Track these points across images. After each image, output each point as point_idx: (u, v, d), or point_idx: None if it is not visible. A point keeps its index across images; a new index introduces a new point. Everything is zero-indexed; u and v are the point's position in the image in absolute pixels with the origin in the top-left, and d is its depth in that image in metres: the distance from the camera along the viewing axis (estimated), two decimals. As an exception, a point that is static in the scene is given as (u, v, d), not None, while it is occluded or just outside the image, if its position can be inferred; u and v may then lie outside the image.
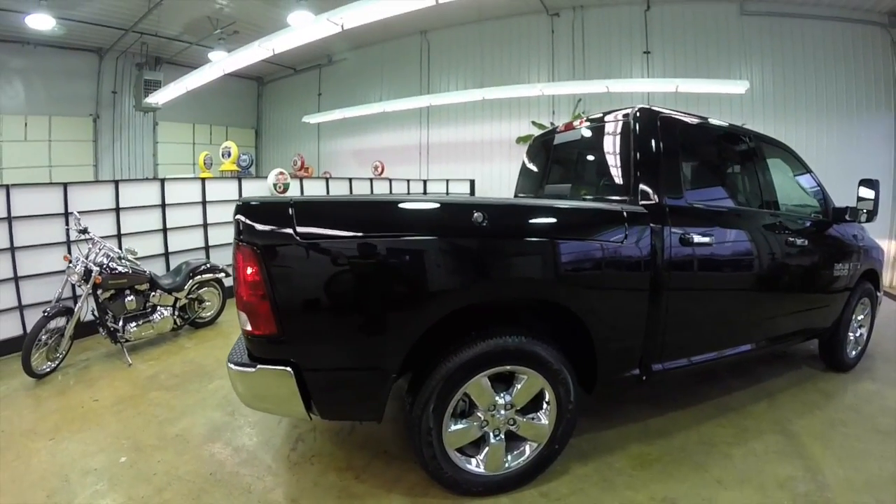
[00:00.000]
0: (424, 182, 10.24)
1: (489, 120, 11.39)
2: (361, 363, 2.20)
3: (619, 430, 3.28)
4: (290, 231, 2.03)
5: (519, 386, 2.48)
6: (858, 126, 8.23)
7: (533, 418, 2.57)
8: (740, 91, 8.23)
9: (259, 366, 2.12)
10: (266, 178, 7.57)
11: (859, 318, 4.36)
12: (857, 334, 4.41)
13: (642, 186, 2.82)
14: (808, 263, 3.66)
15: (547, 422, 2.56)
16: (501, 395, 2.48)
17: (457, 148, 11.94)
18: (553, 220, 2.51)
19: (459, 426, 2.43)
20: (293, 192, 7.78)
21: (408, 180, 9.93)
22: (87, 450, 2.92)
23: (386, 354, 2.20)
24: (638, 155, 2.89)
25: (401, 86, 12.38)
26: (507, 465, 2.55)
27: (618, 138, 3.09)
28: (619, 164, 3.05)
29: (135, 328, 4.55)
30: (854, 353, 4.37)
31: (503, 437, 2.52)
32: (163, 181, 6.19)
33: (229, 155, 9.64)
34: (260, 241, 2.03)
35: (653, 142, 2.90)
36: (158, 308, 4.83)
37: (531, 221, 2.45)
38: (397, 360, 2.20)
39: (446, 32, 12.01)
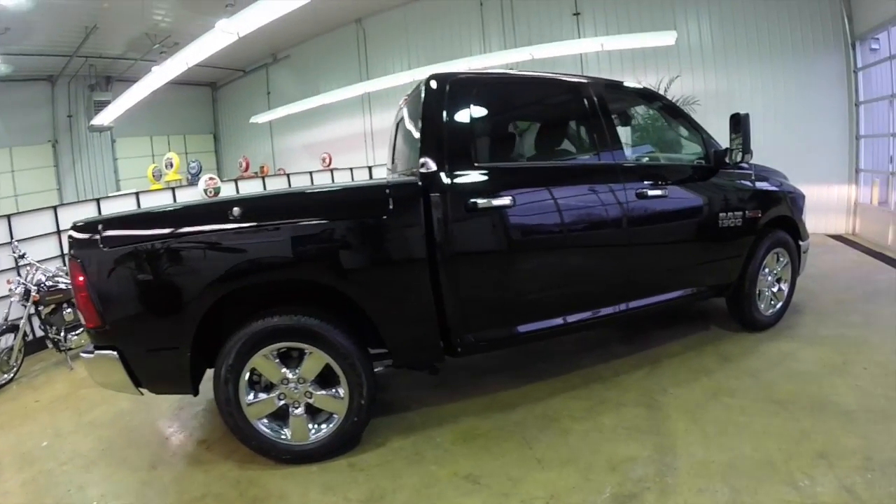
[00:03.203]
0: (370, 168, 10.42)
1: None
2: (161, 345, 2.58)
3: (462, 403, 3.30)
4: (98, 243, 2.48)
5: (305, 362, 2.68)
6: (808, 66, 7.87)
7: (332, 393, 2.73)
8: (669, 42, 8.02)
9: (96, 352, 2.57)
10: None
11: (775, 271, 4.11)
12: (776, 289, 4.15)
13: (423, 158, 2.78)
14: (674, 215, 3.50)
15: (343, 395, 2.71)
16: (293, 370, 2.69)
17: (400, 130, 11.96)
18: (306, 205, 2.76)
19: (258, 398, 2.70)
20: (230, 192, 8.14)
21: (351, 169, 10.15)
22: (21, 440, 3.47)
23: (177, 336, 2.55)
24: (422, 124, 2.90)
25: (342, 76, 12.51)
26: (313, 435, 2.76)
27: (415, 110, 3.08)
28: (414, 136, 3.05)
29: (75, 337, 4.91)
30: (771, 310, 4.14)
31: (303, 409, 2.74)
32: (98, 200, 6.55)
33: (171, 165, 9.83)
34: (79, 253, 2.51)
35: (438, 109, 2.88)
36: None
37: (284, 211, 2.66)
38: (187, 340, 2.54)
39: (380, 18, 12.09)
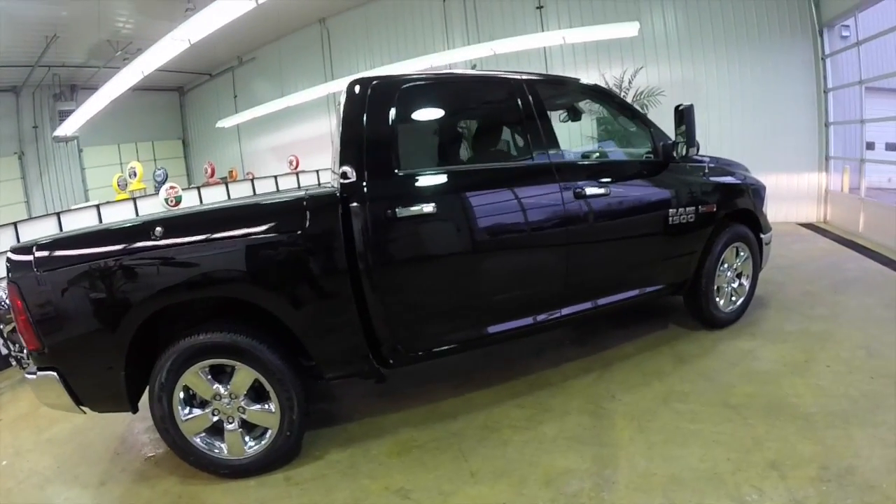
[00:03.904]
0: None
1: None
2: (95, 364, 2.56)
3: (404, 413, 3.24)
4: (32, 267, 2.46)
5: (234, 377, 2.64)
6: (776, 54, 7.75)
7: (264, 408, 2.70)
8: (633, 33, 7.82)
9: (38, 374, 2.56)
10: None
11: (735, 266, 3.98)
12: (736, 284, 4.02)
13: (343, 167, 2.70)
14: (617, 213, 3.36)
15: (275, 410, 2.68)
16: (225, 385, 2.65)
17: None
18: (224, 221, 2.68)
19: (192, 414, 2.66)
20: (192, 202, 7.97)
21: (317, 171, 9.98)
22: (-20, 458, 3.42)
23: (110, 355, 2.53)
24: (341, 131, 2.81)
25: (308, 76, 12.28)
26: (249, 450, 2.73)
27: (339, 118, 2.98)
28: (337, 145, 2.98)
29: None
30: (732, 306, 4.01)
31: (237, 424, 2.70)
32: (59, 214, 6.39)
33: (135, 175, 9.69)
34: (16, 276, 2.48)
35: (358, 115, 2.78)
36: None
37: (203, 228, 2.60)
38: (120, 359, 2.53)
39: (344, 17, 11.93)
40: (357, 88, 2.83)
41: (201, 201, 8.43)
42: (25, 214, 13.34)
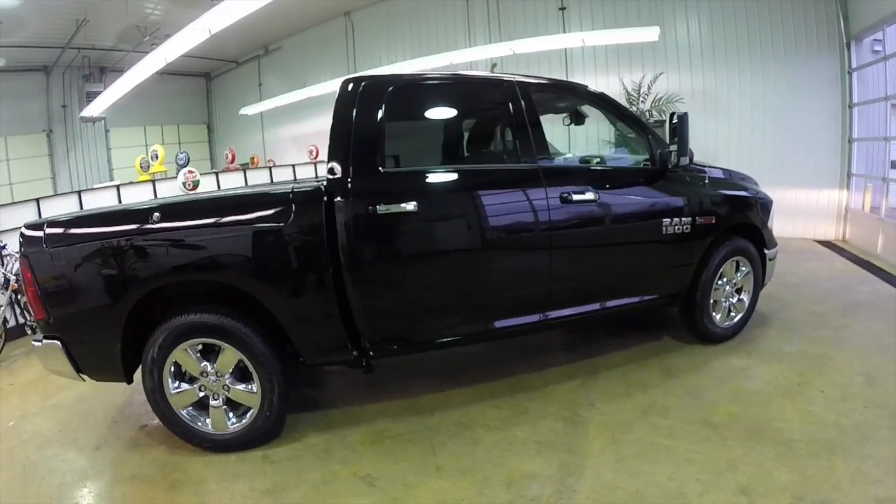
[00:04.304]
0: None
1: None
2: (94, 336, 2.78)
3: (384, 404, 3.31)
4: (42, 243, 2.69)
5: (220, 357, 2.79)
6: (800, 66, 7.52)
7: (247, 388, 2.84)
8: (653, 38, 7.65)
9: (44, 341, 2.79)
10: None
11: (734, 280, 3.89)
12: (735, 300, 3.93)
13: (331, 163, 2.79)
14: (607, 220, 3.31)
15: (256, 391, 2.81)
16: (212, 364, 2.80)
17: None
18: (216, 210, 2.80)
19: (180, 389, 2.83)
20: (209, 186, 8.09)
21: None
22: (-11, 420, 3.65)
23: (108, 328, 2.71)
24: (331, 128, 2.87)
25: (330, 68, 12.34)
26: (232, 426, 2.88)
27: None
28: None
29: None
30: (729, 322, 3.92)
31: (222, 401, 2.86)
32: (80, 193, 6.59)
33: (157, 157, 9.87)
34: (27, 251, 2.71)
35: (348, 113, 2.85)
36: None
37: (196, 215, 2.76)
38: (117, 332, 2.71)
39: (368, 11, 11.96)
40: (349, 87, 2.89)
41: (219, 186, 8.54)
42: (51, 190, 13.68)
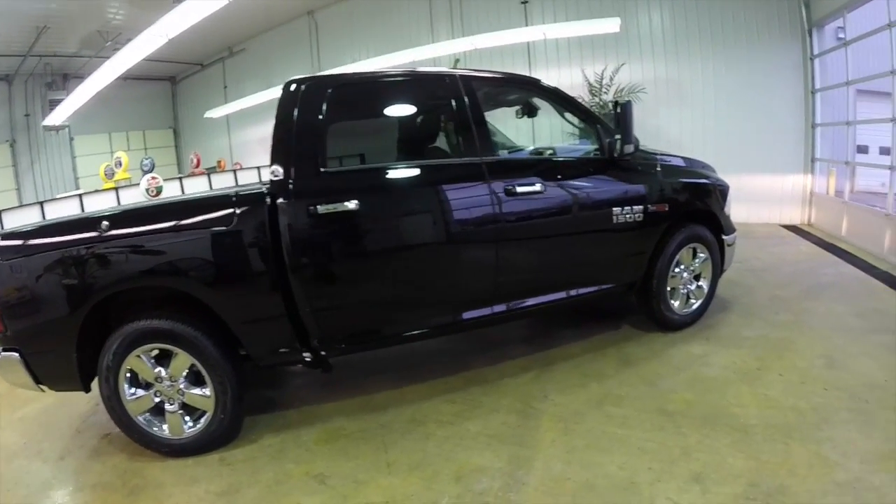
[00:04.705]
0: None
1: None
2: (50, 347, 2.74)
3: (340, 403, 3.31)
4: None
5: (173, 362, 2.76)
6: (763, 53, 7.56)
7: (201, 392, 2.83)
8: (614, 29, 7.60)
9: (2, 353, 2.74)
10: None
11: (692, 267, 3.87)
12: (694, 286, 3.91)
13: (273, 165, 2.79)
14: (554, 211, 3.29)
15: (210, 394, 2.80)
16: (165, 369, 2.78)
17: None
18: (161, 216, 2.79)
19: (136, 395, 2.80)
20: (173, 192, 7.99)
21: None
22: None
23: (63, 338, 2.69)
24: (273, 130, 2.86)
25: (295, 69, 12.12)
26: (188, 430, 2.86)
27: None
28: None
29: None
30: (687, 309, 3.91)
31: (177, 406, 2.83)
32: (42, 204, 6.46)
33: (121, 165, 9.72)
34: None
35: (289, 114, 2.84)
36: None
37: (142, 222, 2.74)
38: (71, 342, 2.69)
39: (332, 10, 11.86)
40: (291, 88, 2.88)
41: (183, 192, 8.44)
42: (16, 202, 13.39)
